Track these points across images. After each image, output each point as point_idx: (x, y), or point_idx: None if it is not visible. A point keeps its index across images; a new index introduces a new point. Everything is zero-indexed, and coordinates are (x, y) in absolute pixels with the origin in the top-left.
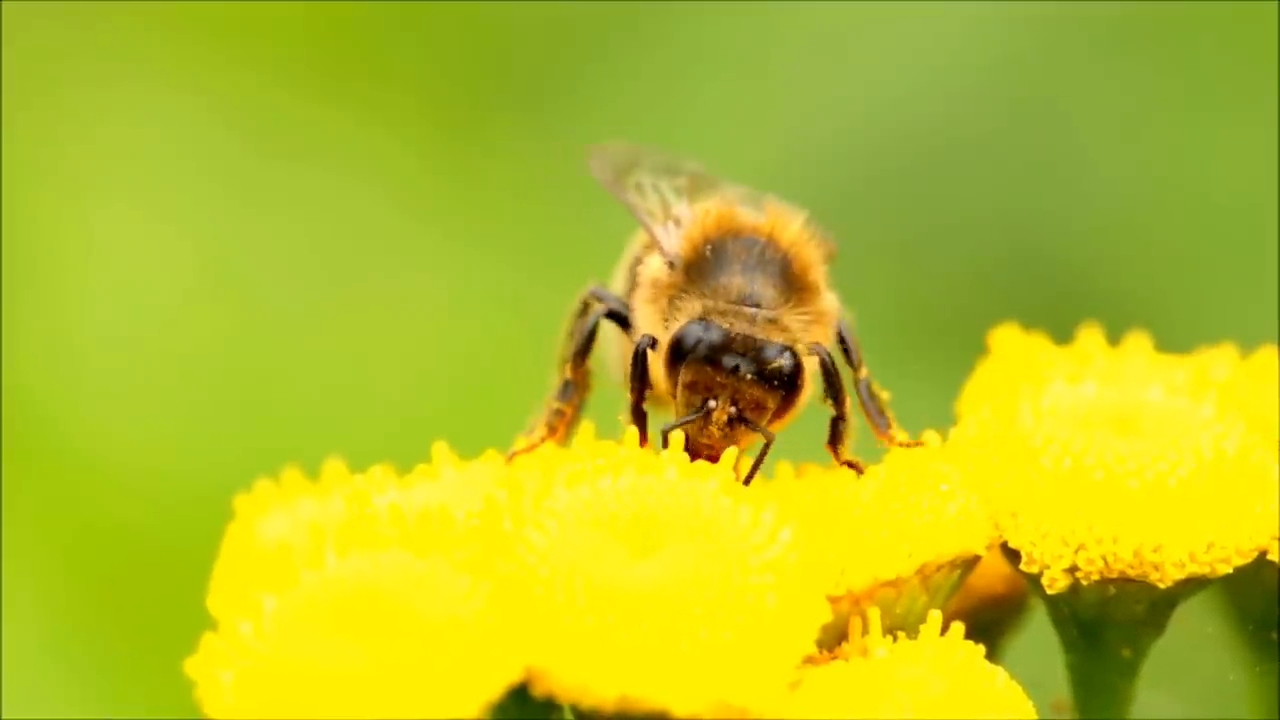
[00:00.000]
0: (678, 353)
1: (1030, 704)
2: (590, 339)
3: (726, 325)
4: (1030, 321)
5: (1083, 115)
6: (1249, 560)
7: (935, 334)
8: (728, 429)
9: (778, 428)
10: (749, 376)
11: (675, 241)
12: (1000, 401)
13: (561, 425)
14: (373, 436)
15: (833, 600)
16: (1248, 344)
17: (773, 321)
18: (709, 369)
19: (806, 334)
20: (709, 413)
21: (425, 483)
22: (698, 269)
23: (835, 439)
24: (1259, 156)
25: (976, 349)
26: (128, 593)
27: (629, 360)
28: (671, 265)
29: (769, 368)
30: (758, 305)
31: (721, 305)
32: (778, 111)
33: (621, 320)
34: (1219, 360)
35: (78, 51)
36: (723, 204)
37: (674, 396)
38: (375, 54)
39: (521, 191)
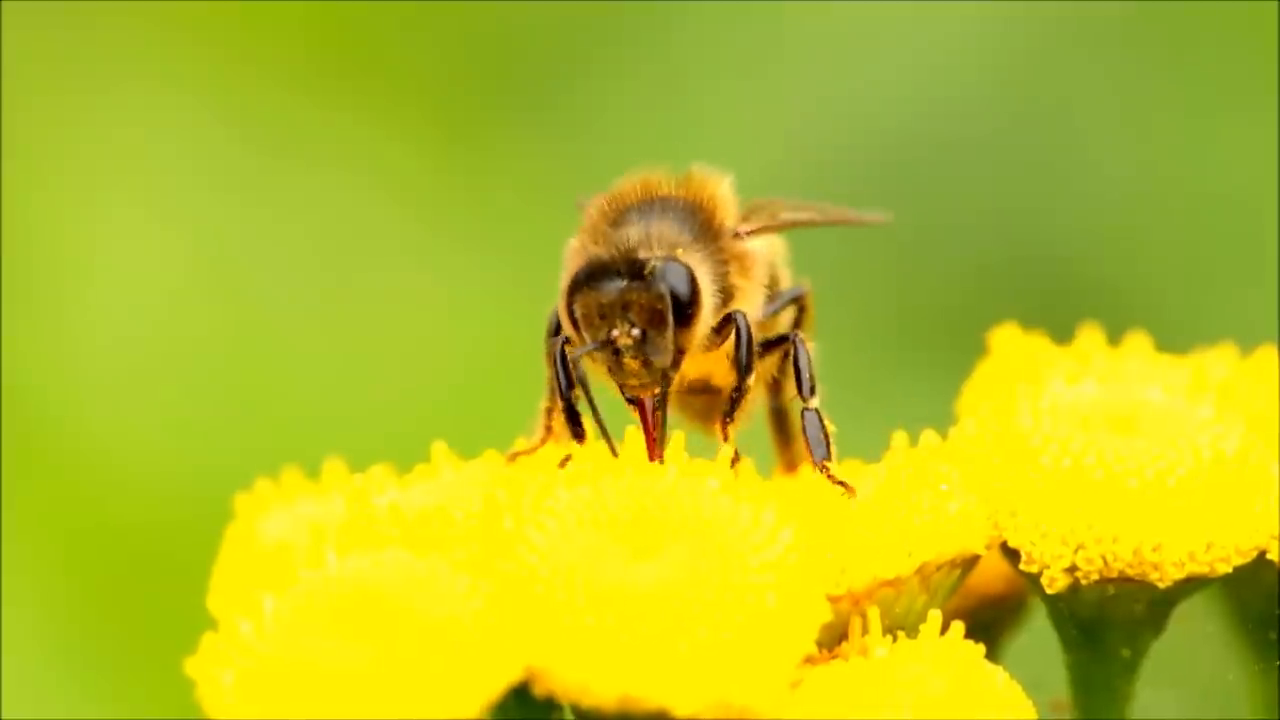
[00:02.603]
0: (567, 296)
1: (1030, 703)
2: (557, 328)
3: (601, 252)
4: (1030, 321)
5: (1083, 116)
6: (1248, 560)
7: (935, 334)
8: (641, 359)
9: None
10: (633, 286)
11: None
12: (999, 401)
13: (555, 423)
14: (373, 436)
15: (833, 600)
16: (1248, 344)
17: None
18: (593, 293)
19: (720, 272)
20: (613, 342)
21: (425, 482)
22: (597, 232)
23: (728, 410)
24: (1259, 156)
25: (976, 349)
26: (128, 593)
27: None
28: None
29: (645, 270)
30: (649, 245)
31: (605, 246)
32: (779, 113)
33: None
34: (1218, 360)
35: (78, 52)
36: (638, 176)
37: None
38: (375, 54)
39: (522, 191)
